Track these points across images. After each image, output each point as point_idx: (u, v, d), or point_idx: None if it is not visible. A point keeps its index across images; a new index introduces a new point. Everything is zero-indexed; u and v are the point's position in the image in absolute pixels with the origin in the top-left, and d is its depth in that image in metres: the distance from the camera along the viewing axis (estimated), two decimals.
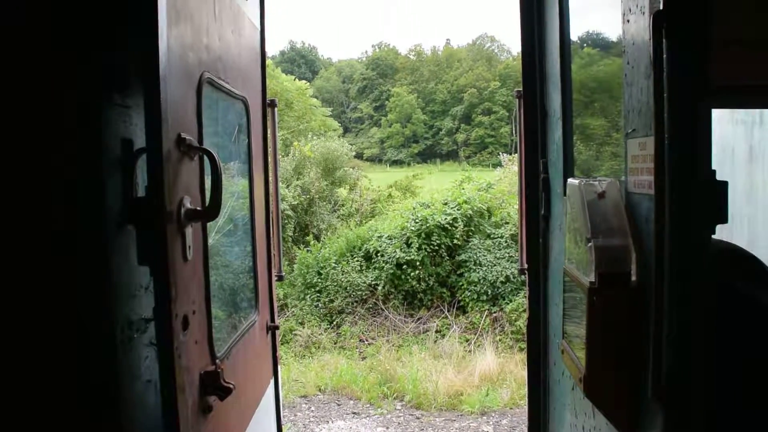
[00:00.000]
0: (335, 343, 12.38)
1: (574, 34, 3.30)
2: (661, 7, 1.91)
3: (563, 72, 3.29)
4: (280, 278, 4.54)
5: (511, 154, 19.69)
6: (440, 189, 17.46)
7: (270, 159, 4.28)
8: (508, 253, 13.26)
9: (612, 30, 2.63)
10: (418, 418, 8.62)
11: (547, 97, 3.61)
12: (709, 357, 1.95)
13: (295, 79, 30.77)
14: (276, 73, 28.34)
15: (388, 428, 8.35)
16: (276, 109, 4.33)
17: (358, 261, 13.96)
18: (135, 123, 2.33)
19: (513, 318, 12.10)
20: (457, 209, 14.02)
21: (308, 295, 13.58)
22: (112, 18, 2.22)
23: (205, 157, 2.53)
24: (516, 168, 4.18)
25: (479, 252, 13.51)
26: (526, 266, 3.92)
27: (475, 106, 70.99)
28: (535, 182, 3.72)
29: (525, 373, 4.01)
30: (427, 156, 70.44)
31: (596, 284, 2.18)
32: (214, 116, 3.14)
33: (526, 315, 3.93)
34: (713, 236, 1.98)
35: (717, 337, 1.99)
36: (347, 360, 11.19)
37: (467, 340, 12.00)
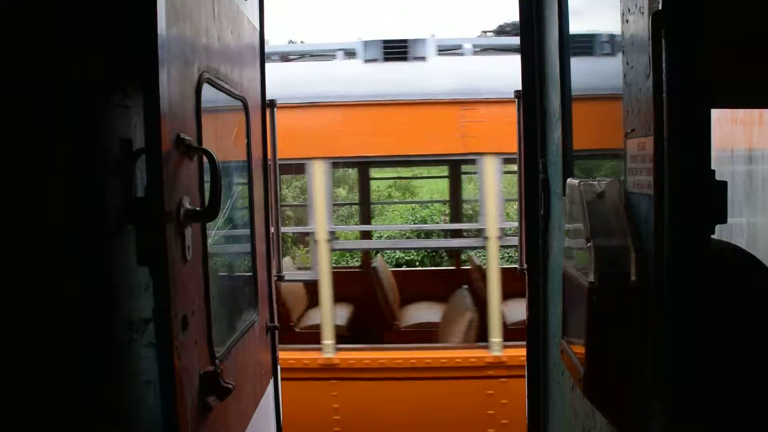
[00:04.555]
0: None
1: (573, 34, 3.30)
2: (660, 7, 1.91)
3: (562, 72, 3.29)
4: (280, 278, 4.54)
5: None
6: (440, 189, 17.46)
7: (269, 159, 4.29)
8: (508, 253, 13.27)
9: (611, 30, 2.63)
10: None
11: (546, 97, 3.62)
12: (709, 357, 1.95)
13: None
14: None
15: None
16: (275, 109, 4.33)
17: (357, 261, 13.96)
18: (134, 123, 2.33)
19: None
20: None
21: None
22: (112, 18, 2.22)
23: (204, 158, 2.53)
24: (515, 168, 4.19)
25: (479, 252, 13.52)
26: (525, 266, 3.92)
27: None
28: (535, 182, 3.72)
29: (525, 373, 4.01)
30: None
31: (596, 284, 2.18)
32: (213, 116, 3.14)
33: (525, 315, 3.93)
34: (713, 236, 1.98)
35: (717, 337, 1.99)
36: None
37: None
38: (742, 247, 2.49)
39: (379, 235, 14.20)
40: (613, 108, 2.43)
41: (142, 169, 2.26)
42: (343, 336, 6.69)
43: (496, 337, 5.93)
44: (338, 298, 7.16)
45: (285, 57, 8.01)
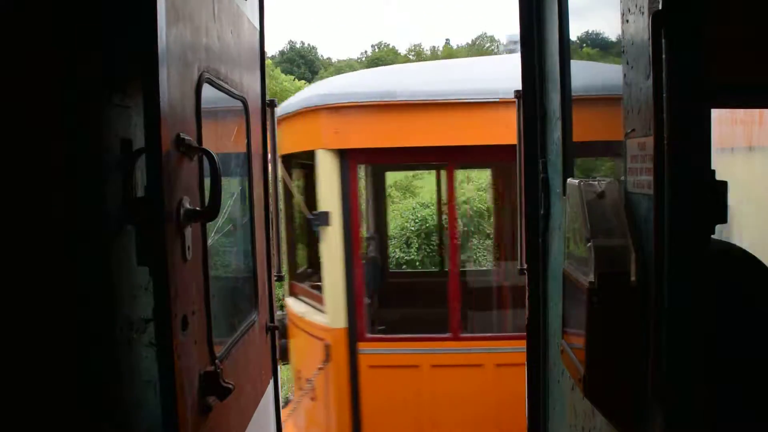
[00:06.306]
0: None
1: (574, 34, 3.30)
2: (660, 7, 1.91)
3: (563, 72, 3.29)
4: (280, 278, 4.54)
5: None
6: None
7: (269, 159, 4.29)
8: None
9: (611, 30, 2.64)
10: None
11: (547, 97, 3.61)
12: (710, 357, 1.95)
13: (294, 79, 30.81)
14: (275, 73, 28.38)
15: None
16: (275, 109, 4.33)
17: None
18: (134, 123, 2.33)
19: None
20: (457, 209, 14.03)
21: None
22: (112, 18, 2.22)
23: (204, 158, 2.53)
24: (515, 168, 4.21)
25: (479, 252, 13.53)
26: (525, 266, 3.92)
27: None
28: (535, 182, 3.72)
29: (524, 373, 4.01)
30: None
31: (595, 284, 2.18)
32: (213, 116, 3.14)
33: (525, 315, 3.93)
34: (713, 236, 1.98)
35: (717, 337, 1.99)
36: None
37: None
38: (742, 247, 2.49)
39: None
40: (613, 108, 2.43)
41: (142, 169, 2.26)
42: None
43: None
44: None
45: None
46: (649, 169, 2.03)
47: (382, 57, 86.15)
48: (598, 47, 3.34)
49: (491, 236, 13.75)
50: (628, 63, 2.26)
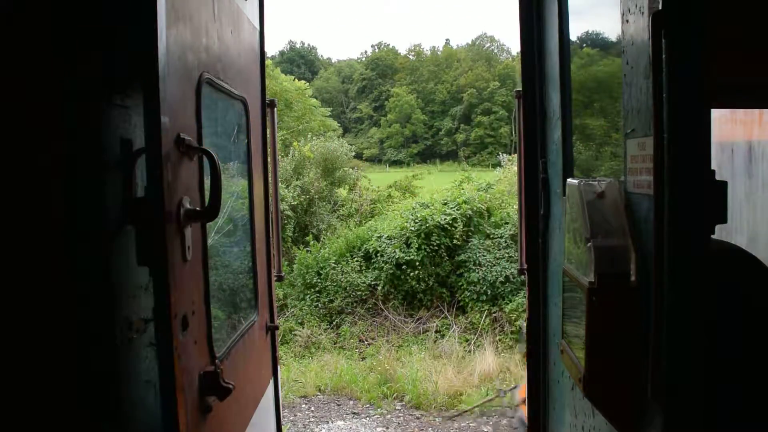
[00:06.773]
0: (335, 343, 12.38)
1: (574, 34, 3.30)
2: (660, 7, 1.91)
3: (563, 72, 3.29)
4: (280, 278, 4.54)
5: (510, 154, 19.71)
6: (440, 189, 17.45)
7: (269, 159, 4.28)
8: (508, 253, 13.26)
9: (611, 30, 2.64)
10: (417, 418, 8.62)
11: (547, 98, 3.62)
12: (709, 357, 1.95)
13: (294, 80, 30.80)
14: (275, 73, 28.36)
15: (387, 428, 8.36)
16: (275, 109, 4.33)
17: (357, 261, 13.95)
18: (134, 123, 2.33)
19: (513, 318, 12.10)
20: (457, 209, 14.02)
21: (308, 296, 13.59)
22: (112, 18, 2.22)
23: (205, 158, 2.53)
24: (515, 168, 4.21)
25: (479, 252, 13.51)
26: (525, 266, 3.92)
27: (474, 107, 70.97)
28: (535, 182, 3.72)
29: (524, 373, 4.01)
30: (427, 156, 70.38)
31: (595, 284, 2.18)
32: (214, 116, 3.14)
33: (525, 315, 3.93)
34: (713, 236, 1.98)
35: (717, 337, 1.99)
36: (347, 360, 11.20)
37: (467, 340, 12.00)
38: (742, 247, 2.49)
39: (378, 235, 14.22)
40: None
41: (142, 169, 2.26)
42: None
43: None
44: None
45: None
46: (649, 169, 2.03)
47: (381, 57, 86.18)
48: (598, 47, 3.34)
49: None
50: (628, 63, 2.26)
